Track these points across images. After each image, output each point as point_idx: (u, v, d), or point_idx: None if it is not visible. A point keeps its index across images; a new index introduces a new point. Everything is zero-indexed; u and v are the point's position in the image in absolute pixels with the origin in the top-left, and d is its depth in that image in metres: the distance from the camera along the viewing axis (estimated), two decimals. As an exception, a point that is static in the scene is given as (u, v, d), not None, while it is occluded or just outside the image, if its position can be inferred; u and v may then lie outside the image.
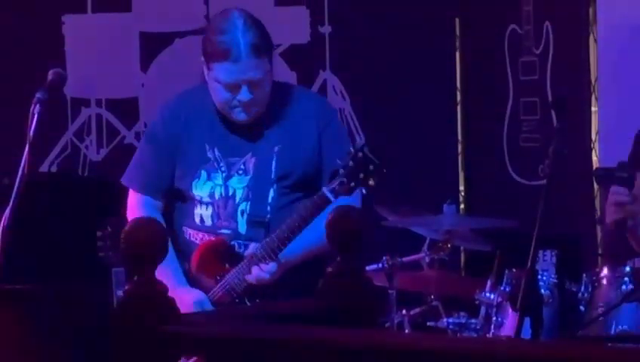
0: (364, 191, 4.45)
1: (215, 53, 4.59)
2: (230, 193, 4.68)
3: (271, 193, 4.65)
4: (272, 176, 4.65)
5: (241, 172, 4.68)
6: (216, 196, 4.68)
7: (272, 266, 4.52)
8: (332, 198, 4.38)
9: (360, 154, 4.43)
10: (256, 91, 4.60)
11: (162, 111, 4.94)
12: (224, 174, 4.68)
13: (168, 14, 7.51)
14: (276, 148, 4.66)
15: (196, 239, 4.68)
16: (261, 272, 4.52)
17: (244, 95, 4.59)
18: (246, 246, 4.62)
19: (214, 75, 4.61)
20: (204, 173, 4.69)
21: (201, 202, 4.70)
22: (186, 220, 4.71)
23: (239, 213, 4.66)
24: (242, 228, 4.65)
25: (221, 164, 4.69)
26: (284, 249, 4.53)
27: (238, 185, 4.68)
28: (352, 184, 4.41)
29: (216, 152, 4.69)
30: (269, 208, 4.64)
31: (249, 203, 4.66)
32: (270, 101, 4.70)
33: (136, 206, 4.77)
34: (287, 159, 4.64)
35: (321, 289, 3.30)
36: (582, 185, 6.55)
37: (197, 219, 4.70)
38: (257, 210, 4.65)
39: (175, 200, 4.76)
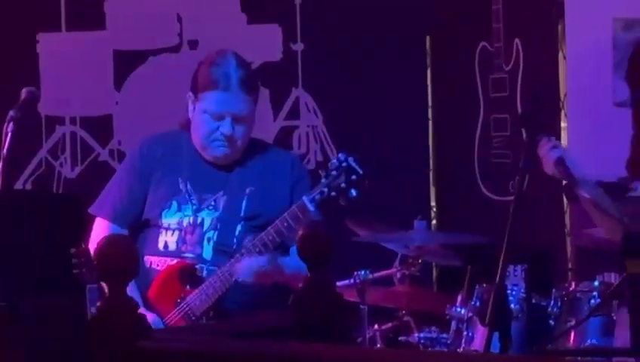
0: (342, 201, 4.51)
1: (207, 83, 4.67)
2: (199, 221, 4.74)
3: (238, 228, 4.70)
4: (241, 215, 4.71)
5: (211, 208, 4.74)
6: (184, 224, 4.74)
7: (263, 260, 4.56)
8: (311, 208, 4.43)
9: (344, 163, 4.48)
10: (237, 126, 4.67)
11: (140, 146, 5.01)
12: (194, 207, 4.74)
13: (142, 32, 7.51)
14: (248, 190, 4.73)
15: (157, 266, 4.72)
16: (251, 262, 4.55)
17: (226, 127, 4.65)
18: (209, 272, 4.65)
19: (203, 106, 4.68)
20: (174, 204, 4.74)
21: (167, 229, 4.74)
22: (147, 249, 4.75)
23: (205, 240, 4.71)
24: (207, 254, 4.69)
25: (192, 198, 4.75)
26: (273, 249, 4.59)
27: (207, 217, 4.73)
28: (333, 194, 4.46)
29: (189, 186, 4.75)
30: (235, 240, 4.68)
31: (217, 232, 4.72)
32: (247, 150, 4.76)
33: (101, 230, 4.80)
34: (258, 201, 4.70)
35: (292, 305, 3.34)
36: (552, 200, 6.59)
37: (160, 246, 4.74)
38: (224, 239, 4.70)
39: (140, 230, 4.80)
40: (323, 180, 4.46)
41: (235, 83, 4.64)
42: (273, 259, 4.56)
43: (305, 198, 4.48)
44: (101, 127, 7.59)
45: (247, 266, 4.52)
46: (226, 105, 4.66)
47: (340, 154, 4.59)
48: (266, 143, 5.08)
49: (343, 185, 4.45)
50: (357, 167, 4.45)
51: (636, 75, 4.55)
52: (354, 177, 4.45)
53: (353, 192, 4.48)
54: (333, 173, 4.47)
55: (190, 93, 4.73)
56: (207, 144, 4.68)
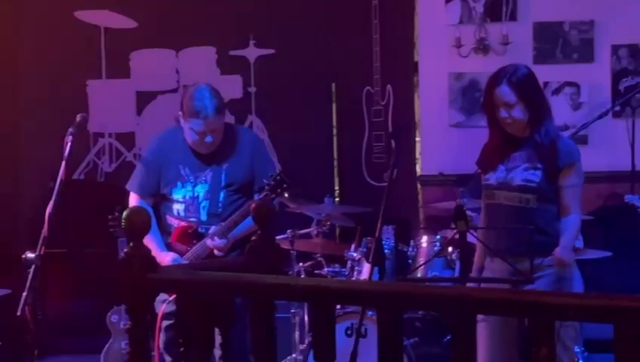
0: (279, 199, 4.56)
1: (191, 113, 4.61)
2: (196, 195, 4.71)
3: (221, 195, 4.68)
4: (222, 184, 4.68)
5: (203, 182, 4.70)
6: (187, 197, 4.71)
7: (223, 241, 4.56)
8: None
9: (278, 177, 4.51)
10: (215, 135, 4.65)
11: (151, 144, 4.97)
12: (192, 184, 4.71)
13: (153, 80, 7.49)
14: (225, 166, 4.70)
15: (174, 223, 4.69)
16: (217, 243, 4.56)
17: (208, 139, 4.63)
18: (207, 229, 4.65)
19: (190, 126, 4.64)
20: (179, 183, 4.72)
21: (177, 201, 4.72)
22: (168, 212, 4.73)
23: (201, 208, 4.70)
24: (204, 217, 4.67)
25: (190, 178, 4.71)
26: (232, 232, 4.58)
27: (201, 191, 4.71)
28: (273, 196, 4.48)
29: (187, 170, 4.72)
30: (220, 205, 4.67)
31: (208, 201, 4.69)
32: (223, 135, 4.75)
33: (134, 202, 4.78)
34: (232, 172, 4.68)
35: (248, 251, 3.33)
36: (408, 185, 6.61)
37: (175, 212, 4.71)
38: (213, 207, 4.68)
39: (162, 200, 4.78)
40: (266, 187, 4.49)
41: (211, 110, 4.61)
42: (226, 238, 4.56)
43: (256, 197, 4.53)
44: (127, 139, 7.55)
45: (218, 244, 4.53)
46: (207, 126, 4.62)
47: (276, 170, 4.63)
48: (234, 126, 5.05)
49: (279, 190, 4.48)
50: (287, 179, 4.49)
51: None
52: (285, 185, 4.48)
53: (285, 194, 4.52)
54: (272, 182, 4.50)
55: (180, 113, 4.71)
56: (196, 147, 4.66)
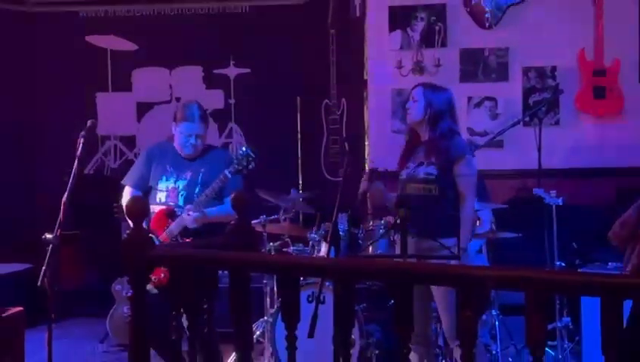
0: (245, 172, 4.53)
1: (182, 117, 4.62)
2: (176, 186, 4.68)
3: (197, 189, 4.64)
4: (199, 182, 4.65)
5: (183, 179, 4.67)
6: (169, 188, 4.67)
7: (198, 214, 4.52)
8: (228, 175, 4.44)
9: (246, 152, 4.51)
10: (198, 140, 4.63)
11: (147, 149, 4.95)
12: (174, 178, 4.67)
13: (151, 93, 7.48)
14: (202, 170, 4.67)
15: (155, 209, 4.64)
16: (192, 216, 4.52)
17: (193, 140, 4.62)
18: (181, 212, 4.61)
19: (180, 129, 4.64)
20: (164, 177, 4.68)
21: (160, 191, 4.68)
22: (152, 200, 4.68)
23: (180, 195, 4.65)
24: (181, 203, 4.63)
25: (173, 174, 4.68)
26: (205, 207, 4.54)
27: (181, 184, 4.68)
28: (240, 167, 4.47)
29: (172, 168, 4.69)
30: (195, 196, 4.63)
31: (185, 191, 4.66)
32: (203, 150, 4.72)
33: (127, 193, 4.75)
34: (207, 176, 4.64)
35: (228, 232, 3.32)
36: (359, 180, 6.60)
37: (157, 199, 4.67)
38: (189, 195, 4.64)
39: (149, 192, 4.74)
40: (235, 161, 4.48)
41: (197, 118, 4.62)
42: (202, 212, 4.53)
43: (225, 171, 4.49)
44: (129, 141, 7.57)
45: (190, 219, 4.49)
46: (192, 130, 4.62)
47: (243, 146, 4.62)
48: (214, 146, 5.04)
49: (245, 163, 4.47)
50: (252, 153, 4.48)
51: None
52: (251, 158, 4.47)
53: (251, 166, 4.50)
54: (240, 156, 4.49)
55: (173, 122, 4.70)
56: (183, 148, 4.64)
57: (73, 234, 5.31)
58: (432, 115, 4.24)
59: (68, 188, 4.27)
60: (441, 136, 4.22)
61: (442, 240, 3.94)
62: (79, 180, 4.41)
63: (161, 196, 4.70)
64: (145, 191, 4.76)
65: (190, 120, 4.65)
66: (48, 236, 4.28)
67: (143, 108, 7.54)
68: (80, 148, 4.42)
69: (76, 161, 4.36)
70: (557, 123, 6.36)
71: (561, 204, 5.50)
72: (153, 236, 4.57)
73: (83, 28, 7.52)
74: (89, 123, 4.59)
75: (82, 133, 4.47)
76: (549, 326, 5.39)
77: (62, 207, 4.27)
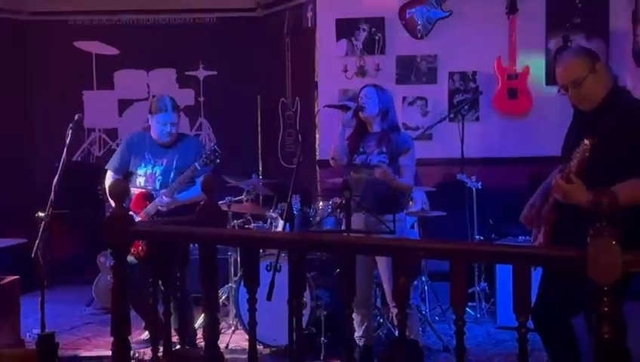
0: (212, 165, 4.48)
1: (158, 110, 4.57)
2: (154, 172, 4.62)
3: (172, 174, 4.59)
4: (173, 167, 4.60)
5: (159, 165, 4.61)
6: (147, 173, 4.62)
7: (171, 199, 4.48)
8: (199, 167, 4.40)
9: (213, 148, 4.47)
10: (173, 127, 4.58)
11: (126, 138, 4.87)
12: (152, 164, 4.62)
13: (131, 90, 7.38)
14: (177, 157, 4.61)
15: (134, 192, 4.58)
16: (164, 200, 4.48)
17: (168, 128, 4.57)
18: (157, 195, 4.55)
19: (156, 119, 4.59)
20: (143, 163, 4.62)
21: (139, 175, 4.62)
22: (132, 184, 4.62)
23: (156, 180, 4.60)
24: (157, 187, 4.58)
25: (151, 161, 4.62)
26: (177, 192, 4.50)
27: (158, 170, 4.62)
28: (209, 161, 4.43)
29: (150, 155, 4.63)
30: (170, 180, 4.58)
31: (162, 176, 4.60)
32: (177, 138, 4.67)
33: (109, 177, 4.69)
34: (181, 161, 4.59)
35: (198, 211, 3.30)
36: (310, 167, 6.60)
37: (137, 183, 4.61)
38: (165, 180, 4.59)
39: (129, 176, 4.68)
40: (204, 155, 4.43)
41: (170, 108, 4.57)
42: (173, 197, 4.49)
43: (196, 163, 4.44)
44: (112, 133, 7.45)
45: (163, 201, 4.45)
46: (167, 119, 4.56)
47: (212, 143, 4.59)
48: (186, 135, 4.99)
49: (212, 157, 4.43)
50: (218, 149, 4.44)
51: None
52: (217, 154, 4.43)
53: (217, 160, 4.46)
54: (208, 152, 4.44)
55: (149, 114, 4.63)
56: (160, 136, 4.58)
57: (63, 213, 5.21)
58: (383, 110, 4.27)
59: (58, 173, 4.24)
60: (390, 128, 4.26)
61: (386, 216, 3.97)
62: (68, 166, 4.37)
63: (140, 180, 4.65)
64: (125, 175, 4.71)
65: (164, 110, 4.60)
66: (41, 214, 4.24)
67: (123, 105, 7.45)
68: (69, 139, 4.38)
69: (65, 150, 4.32)
70: (477, 119, 6.41)
71: (480, 187, 5.57)
72: (133, 214, 4.53)
73: (71, 34, 7.42)
74: (76, 117, 4.54)
75: (71, 125, 4.43)
76: (469, 290, 5.48)
77: (53, 189, 4.23)
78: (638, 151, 2.86)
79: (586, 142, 2.76)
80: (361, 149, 4.29)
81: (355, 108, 4.27)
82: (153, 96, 6.92)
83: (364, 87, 4.38)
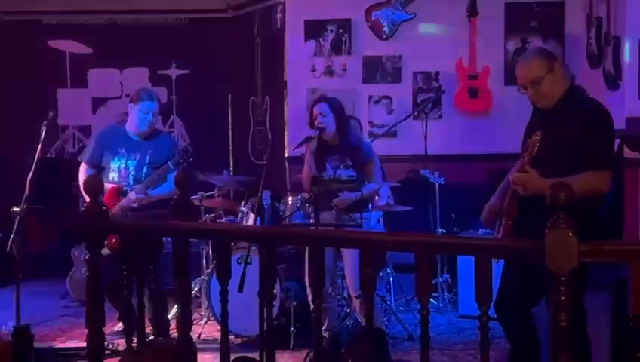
0: (185, 164, 4.44)
1: (140, 98, 4.51)
2: (127, 167, 4.57)
3: (145, 169, 4.54)
4: (146, 162, 4.55)
5: (133, 159, 4.56)
6: (121, 168, 4.56)
7: (143, 195, 4.44)
8: (171, 167, 4.35)
9: (185, 148, 4.43)
10: (154, 117, 4.54)
11: (100, 131, 4.81)
12: (125, 159, 4.56)
13: (104, 89, 7.32)
14: (150, 151, 4.56)
15: (107, 187, 4.51)
16: (136, 196, 4.43)
17: (150, 117, 4.52)
18: (131, 190, 4.51)
19: (139, 107, 4.53)
20: (116, 158, 4.56)
21: (113, 170, 4.56)
22: (106, 178, 4.56)
23: (130, 176, 4.55)
24: (131, 182, 4.53)
25: (124, 155, 4.56)
26: (151, 190, 4.46)
27: (131, 165, 4.57)
28: (181, 160, 4.38)
29: (123, 150, 4.57)
30: (143, 175, 4.54)
31: (135, 171, 4.55)
32: (152, 133, 4.62)
33: (84, 170, 4.63)
34: (154, 157, 4.55)
35: (172, 206, 3.26)
36: (280, 163, 6.59)
37: (110, 178, 4.55)
38: (138, 175, 4.54)
39: (102, 170, 4.62)
40: (176, 155, 4.39)
41: (152, 98, 4.53)
42: (146, 193, 4.44)
43: (169, 162, 4.39)
44: (86, 130, 7.36)
45: (133, 196, 4.41)
46: (150, 107, 4.52)
47: (185, 143, 4.54)
48: (161, 131, 4.94)
49: (185, 157, 4.38)
50: (191, 149, 4.40)
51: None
52: (190, 153, 4.39)
53: (190, 160, 4.42)
54: (181, 152, 4.40)
55: (131, 103, 4.57)
56: (140, 125, 4.52)
57: (37, 208, 5.13)
58: (339, 120, 4.23)
59: (32, 169, 4.17)
60: (351, 140, 4.24)
61: (356, 215, 4.00)
62: (43, 162, 4.30)
63: (113, 175, 4.59)
64: (98, 168, 4.65)
65: (149, 99, 4.56)
66: (16, 209, 4.18)
67: (97, 103, 7.39)
68: (43, 136, 4.31)
69: (40, 146, 4.25)
70: (440, 117, 6.45)
71: (442, 182, 5.61)
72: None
73: (45, 33, 7.34)
74: (50, 114, 4.49)
75: (45, 122, 4.37)
76: (432, 281, 5.51)
77: (27, 185, 4.16)
78: (592, 144, 2.93)
79: (537, 133, 2.90)
80: (327, 165, 4.27)
81: (319, 131, 4.22)
82: (127, 95, 6.89)
83: (315, 104, 4.30)
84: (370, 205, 4.43)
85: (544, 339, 3.07)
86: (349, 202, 4.13)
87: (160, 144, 4.64)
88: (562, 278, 1.93)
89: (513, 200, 3.09)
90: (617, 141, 4.77)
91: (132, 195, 4.46)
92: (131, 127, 4.61)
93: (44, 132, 4.31)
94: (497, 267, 2.50)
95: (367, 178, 4.24)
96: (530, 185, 2.92)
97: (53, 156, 7.29)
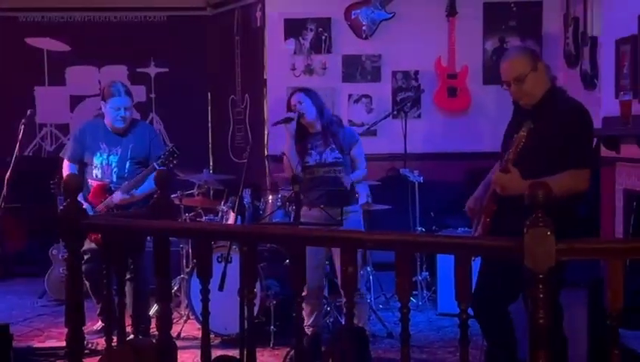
0: (170, 165, 4.42)
1: (111, 95, 4.48)
2: (109, 163, 4.55)
3: (127, 165, 4.52)
4: (128, 157, 4.53)
5: (115, 154, 4.54)
6: (103, 164, 4.54)
7: (125, 195, 4.42)
8: (157, 167, 4.32)
9: (171, 149, 4.39)
10: (127, 112, 4.51)
11: (80, 127, 4.77)
12: (107, 154, 4.54)
13: (82, 87, 7.25)
14: (131, 146, 4.55)
15: (92, 184, 4.51)
16: (120, 196, 4.41)
17: (122, 112, 4.50)
18: (116, 188, 4.49)
19: (110, 105, 4.51)
20: (98, 154, 4.54)
21: (95, 167, 4.54)
22: (89, 176, 4.55)
23: (113, 173, 4.53)
24: (114, 179, 4.51)
25: (106, 150, 4.54)
26: (135, 190, 4.44)
27: (113, 160, 4.55)
28: (167, 161, 4.36)
29: (104, 145, 4.55)
30: (126, 171, 4.52)
31: (117, 168, 4.53)
32: (131, 125, 4.59)
33: (67, 166, 4.60)
34: (135, 150, 4.54)
35: (151, 205, 3.26)
36: (260, 162, 6.59)
37: (94, 175, 4.53)
38: (120, 171, 4.53)
39: (85, 166, 4.59)
40: (162, 156, 4.37)
41: (123, 92, 4.50)
42: (131, 194, 4.42)
43: (154, 163, 4.37)
44: (63, 128, 7.32)
45: (119, 197, 4.39)
46: (120, 103, 4.49)
47: (170, 144, 4.52)
48: (139, 120, 4.92)
49: (170, 158, 4.35)
50: (177, 151, 4.37)
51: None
52: (175, 155, 4.36)
53: (175, 161, 4.39)
54: (167, 153, 4.37)
55: (102, 101, 4.55)
56: (114, 122, 4.50)
57: (15, 207, 5.10)
58: (319, 109, 4.26)
59: (10, 167, 4.14)
60: (330, 124, 4.25)
61: (345, 208, 4.00)
62: (20, 161, 4.28)
63: (96, 172, 4.58)
64: (80, 163, 4.63)
65: (117, 95, 4.53)
66: (-8, 208, 4.14)
67: (75, 101, 7.33)
68: (21, 134, 4.29)
69: (17, 145, 4.23)
70: (419, 116, 6.48)
71: (422, 181, 5.63)
72: (91, 206, 4.46)
73: (22, 31, 7.27)
74: (28, 112, 4.48)
75: (23, 120, 4.35)
76: (412, 279, 5.54)
77: (5, 183, 4.13)
78: (572, 144, 2.97)
79: (523, 129, 2.92)
80: (310, 151, 4.27)
81: (297, 117, 4.24)
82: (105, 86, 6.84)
83: (293, 94, 4.32)
84: (357, 202, 4.44)
85: (520, 336, 3.10)
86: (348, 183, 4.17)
87: (140, 135, 4.63)
88: (541, 276, 1.95)
89: (492, 198, 3.11)
90: (595, 140, 4.84)
91: (117, 196, 4.45)
92: (108, 123, 4.60)
93: (22, 130, 4.30)
94: (475, 264, 2.53)
95: (354, 162, 4.26)
96: (509, 187, 2.94)
97: (30, 154, 7.22)
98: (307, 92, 4.31)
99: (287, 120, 4.25)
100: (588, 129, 3.06)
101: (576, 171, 2.95)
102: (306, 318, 4.27)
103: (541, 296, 1.95)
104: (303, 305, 3.97)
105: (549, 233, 1.94)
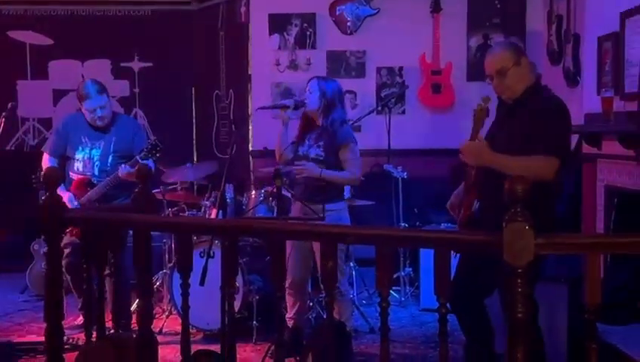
0: (154, 159, 4.39)
1: (83, 97, 4.46)
2: (91, 157, 4.53)
3: (109, 158, 4.50)
4: (111, 151, 4.51)
5: (97, 148, 4.52)
6: (85, 158, 4.52)
7: (109, 179, 4.41)
8: (139, 160, 4.29)
9: (154, 142, 4.37)
10: (103, 110, 4.48)
11: (62, 120, 4.75)
12: (89, 148, 4.52)
13: (65, 81, 7.17)
14: (113, 139, 4.52)
15: (74, 177, 4.48)
16: (102, 187, 4.40)
17: (99, 112, 4.47)
18: (98, 181, 4.47)
19: (85, 107, 4.48)
20: (80, 147, 4.52)
21: (77, 160, 4.52)
22: (71, 169, 4.52)
23: (95, 166, 4.51)
24: (96, 173, 4.49)
25: (88, 145, 4.52)
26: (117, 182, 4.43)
27: (95, 154, 4.52)
28: (150, 155, 4.34)
29: (86, 139, 4.52)
30: (108, 165, 4.50)
31: (99, 161, 4.51)
32: (113, 119, 4.56)
33: (46, 160, 4.58)
34: (118, 144, 4.52)
35: (133, 199, 3.23)
36: (244, 157, 6.57)
37: (75, 168, 4.51)
38: (103, 165, 4.50)
39: (67, 160, 4.56)
40: (145, 149, 4.34)
41: (94, 93, 4.46)
42: (114, 184, 4.41)
43: (137, 157, 4.34)
44: (46, 123, 7.24)
45: (100, 188, 4.39)
46: (93, 104, 4.47)
47: (152, 138, 4.49)
48: (121, 114, 4.90)
49: (153, 151, 4.33)
50: (159, 144, 4.34)
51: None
52: (158, 148, 4.34)
53: (158, 155, 4.37)
54: (149, 146, 4.34)
55: (79, 102, 4.53)
56: (92, 121, 4.47)
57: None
58: (326, 104, 4.16)
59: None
60: (331, 123, 4.17)
61: (327, 205, 3.95)
62: (1, 155, 4.24)
63: (78, 165, 4.56)
64: (62, 157, 4.60)
65: (88, 97, 4.50)
66: (-27, 202, 4.11)
67: (58, 95, 7.26)
68: (2, 127, 4.25)
69: (-2, 138, 4.20)
70: (403, 112, 6.49)
71: (405, 177, 5.64)
72: (73, 198, 4.44)
73: (5, 24, 7.20)
74: (9, 105, 4.43)
75: (4, 114, 4.31)
76: (395, 275, 5.55)
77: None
78: (546, 131, 2.98)
79: (480, 103, 3.07)
80: (305, 142, 4.25)
81: (297, 104, 4.22)
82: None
83: (310, 80, 4.26)
84: (342, 199, 4.38)
85: (496, 329, 3.12)
86: (309, 174, 4.09)
87: (123, 129, 4.61)
88: (519, 271, 1.96)
89: (471, 192, 3.13)
90: (576, 137, 4.87)
91: (98, 189, 4.44)
92: (88, 121, 4.57)
93: (2, 124, 4.26)
94: (455, 260, 2.53)
95: (341, 164, 4.15)
96: (476, 153, 3.06)
97: (12, 148, 7.16)
98: (320, 82, 4.21)
99: (284, 107, 4.24)
100: (564, 123, 3.07)
101: (544, 158, 2.93)
102: (289, 309, 4.26)
103: (519, 289, 1.96)
104: (287, 296, 3.97)
105: (527, 227, 1.95)
